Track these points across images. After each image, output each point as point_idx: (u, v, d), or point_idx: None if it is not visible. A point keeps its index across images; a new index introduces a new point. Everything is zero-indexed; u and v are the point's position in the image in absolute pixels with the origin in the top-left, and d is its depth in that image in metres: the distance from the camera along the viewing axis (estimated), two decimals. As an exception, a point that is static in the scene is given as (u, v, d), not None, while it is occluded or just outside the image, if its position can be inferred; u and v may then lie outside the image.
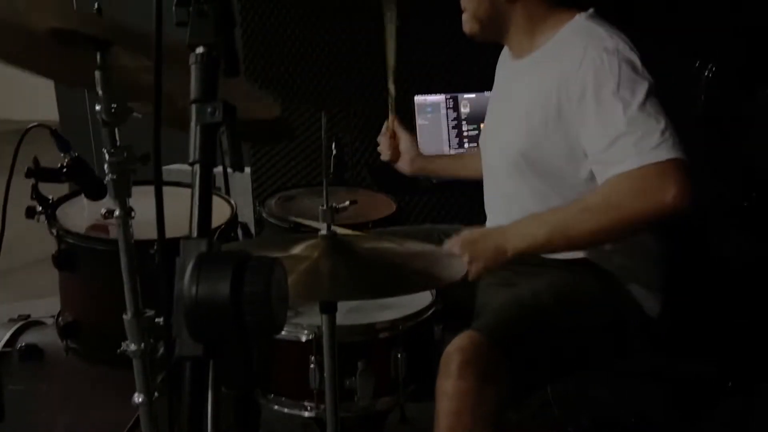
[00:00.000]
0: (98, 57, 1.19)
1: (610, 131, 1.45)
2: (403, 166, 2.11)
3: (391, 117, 2.07)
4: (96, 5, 1.30)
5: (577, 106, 1.51)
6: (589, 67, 1.49)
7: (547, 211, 1.53)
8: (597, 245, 1.57)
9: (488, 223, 1.85)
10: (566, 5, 1.66)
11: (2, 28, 1.19)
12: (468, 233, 1.54)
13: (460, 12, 1.72)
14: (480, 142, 1.92)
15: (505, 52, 1.85)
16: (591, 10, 1.63)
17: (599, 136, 1.47)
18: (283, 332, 1.44)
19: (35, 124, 1.55)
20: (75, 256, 1.75)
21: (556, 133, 1.56)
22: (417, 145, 2.12)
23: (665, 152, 1.40)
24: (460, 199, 3.06)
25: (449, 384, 1.36)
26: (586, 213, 1.46)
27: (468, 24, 1.69)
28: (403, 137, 2.10)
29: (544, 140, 1.58)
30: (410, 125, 2.78)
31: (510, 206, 1.71)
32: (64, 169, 1.51)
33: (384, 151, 2.11)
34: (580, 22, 1.61)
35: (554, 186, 1.62)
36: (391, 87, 2.02)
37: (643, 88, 1.46)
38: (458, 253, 1.47)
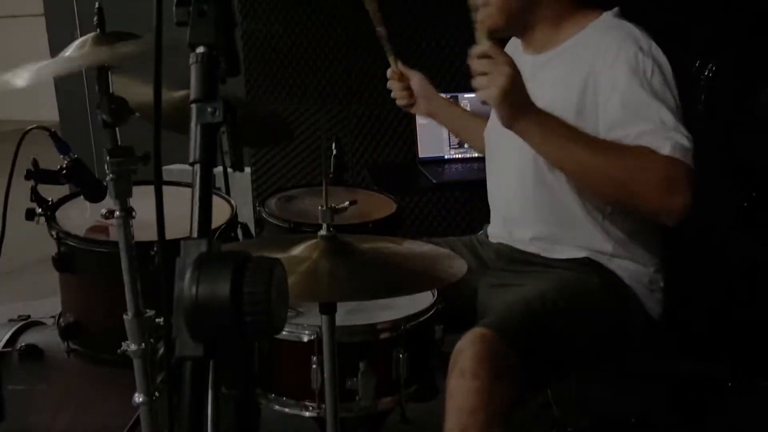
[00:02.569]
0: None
1: (640, 112, 1.43)
2: (421, 106, 1.98)
3: (392, 59, 1.92)
4: (96, 5, 1.30)
5: (604, 99, 1.49)
6: (623, 64, 1.48)
7: (583, 132, 1.45)
8: (588, 185, 1.50)
9: (492, 225, 1.85)
10: (589, 4, 1.64)
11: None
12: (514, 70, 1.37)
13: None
14: (486, 139, 1.89)
15: (514, 47, 1.80)
16: (617, 9, 1.62)
17: (624, 112, 1.44)
18: (285, 332, 1.46)
19: (34, 126, 1.55)
20: (74, 258, 1.75)
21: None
22: (430, 83, 1.97)
23: (690, 159, 1.39)
24: (460, 199, 3.06)
25: (462, 381, 1.34)
26: (613, 162, 1.40)
27: (492, 17, 1.60)
28: (414, 77, 1.95)
29: None
30: (411, 125, 2.79)
31: (524, 209, 1.69)
32: (64, 171, 1.51)
33: (397, 96, 1.97)
34: (609, 20, 1.60)
35: (570, 189, 1.59)
36: (380, 29, 1.83)
37: (672, 96, 1.46)
38: (490, 66, 1.35)
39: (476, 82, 1.37)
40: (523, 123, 1.41)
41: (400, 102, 1.98)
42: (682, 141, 1.40)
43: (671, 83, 1.48)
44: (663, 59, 1.49)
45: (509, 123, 1.41)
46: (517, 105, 1.39)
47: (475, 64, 1.36)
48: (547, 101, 1.55)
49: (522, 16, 1.65)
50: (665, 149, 1.39)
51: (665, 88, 1.47)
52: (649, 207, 1.42)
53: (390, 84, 1.97)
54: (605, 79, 1.50)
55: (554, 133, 1.42)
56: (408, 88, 1.96)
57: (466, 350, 1.36)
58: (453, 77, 2.90)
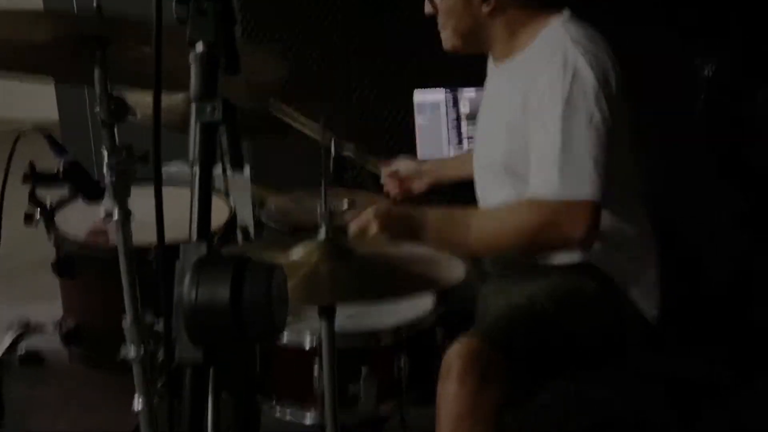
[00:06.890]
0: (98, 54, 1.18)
1: (544, 153, 1.49)
2: (418, 188, 2.12)
3: (375, 169, 2.07)
4: (95, 3, 1.29)
5: (532, 118, 1.54)
6: (545, 81, 1.51)
7: (465, 213, 1.60)
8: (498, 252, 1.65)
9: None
10: (552, 6, 1.64)
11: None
12: (385, 208, 1.57)
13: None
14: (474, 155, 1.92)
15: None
16: (567, 13, 1.61)
17: (534, 155, 1.52)
18: (286, 338, 1.45)
19: (29, 128, 1.54)
20: (74, 263, 1.74)
21: (523, 145, 1.57)
22: (414, 160, 2.14)
23: (585, 191, 1.45)
24: (460, 199, 3.04)
25: (450, 388, 1.39)
26: (501, 232, 1.54)
27: (449, 41, 1.69)
28: (400, 166, 2.11)
29: (517, 150, 1.59)
30: (410, 126, 2.77)
31: None
32: (61, 173, 1.50)
33: (393, 192, 2.10)
34: (555, 28, 1.59)
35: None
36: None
37: (585, 116, 1.47)
38: (365, 221, 1.49)
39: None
40: (417, 239, 1.52)
41: (398, 196, 2.08)
42: (569, 178, 1.44)
43: (591, 97, 1.47)
44: (586, 71, 1.48)
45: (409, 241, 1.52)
46: (402, 233, 1.50)
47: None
48: (505, 114, 1.61)
49: (476, 36, 1.67)
50: (552, 194, 1.46)
51: (579, 107, 1.47)
52: (549, 248, 1.56)
53: (386, 186, 2.08)
54: (534, 96, 1.53)
55: (449, 245, 1.51)
56: (399, 180, 2.08)
57: (454, 358, 1.42)
58: (452, 71, 2.89)
